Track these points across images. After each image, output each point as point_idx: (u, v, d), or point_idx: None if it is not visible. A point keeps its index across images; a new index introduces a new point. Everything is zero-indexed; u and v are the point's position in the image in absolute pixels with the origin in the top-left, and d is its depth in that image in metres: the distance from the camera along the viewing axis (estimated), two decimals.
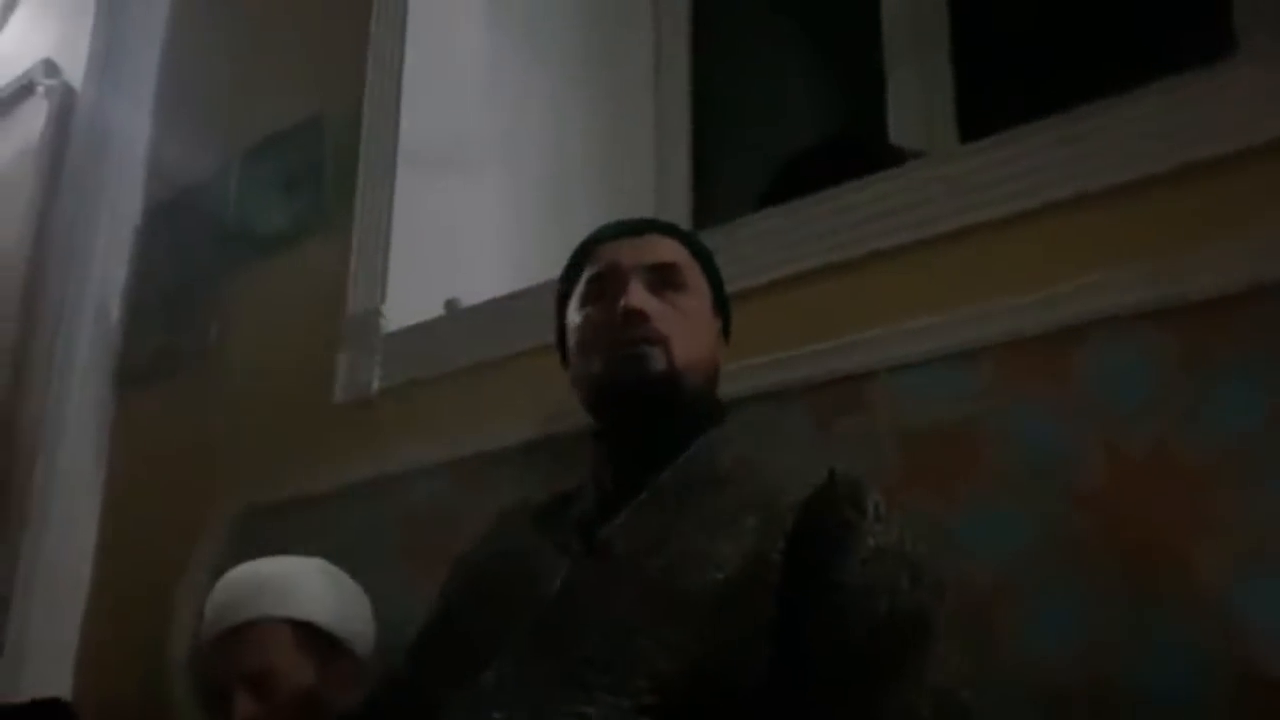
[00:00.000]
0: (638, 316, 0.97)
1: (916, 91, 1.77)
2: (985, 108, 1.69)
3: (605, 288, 1.01)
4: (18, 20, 2.90)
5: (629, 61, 2.18)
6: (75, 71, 2.51)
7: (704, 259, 1.08)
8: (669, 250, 1.04)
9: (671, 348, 0.96)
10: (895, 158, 1.42)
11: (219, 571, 1.34)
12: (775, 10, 2.13)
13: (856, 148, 1.52)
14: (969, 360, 1.12)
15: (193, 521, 1.82)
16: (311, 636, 1.20)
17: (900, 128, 1.74)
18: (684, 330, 0.98)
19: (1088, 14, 1.69)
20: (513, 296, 1.63)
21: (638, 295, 0.98)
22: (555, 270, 1.59)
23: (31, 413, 2.17)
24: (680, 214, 1.95)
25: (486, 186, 1.93)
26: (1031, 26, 1.75)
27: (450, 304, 1.73)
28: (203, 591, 1.44)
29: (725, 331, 1.10)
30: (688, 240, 1.09)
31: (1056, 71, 1.67)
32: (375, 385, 1.69)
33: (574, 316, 1.05)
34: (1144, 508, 0.98)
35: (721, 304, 1.09)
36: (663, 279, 1.01)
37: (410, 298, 1.74)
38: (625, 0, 2.20)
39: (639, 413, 0.98)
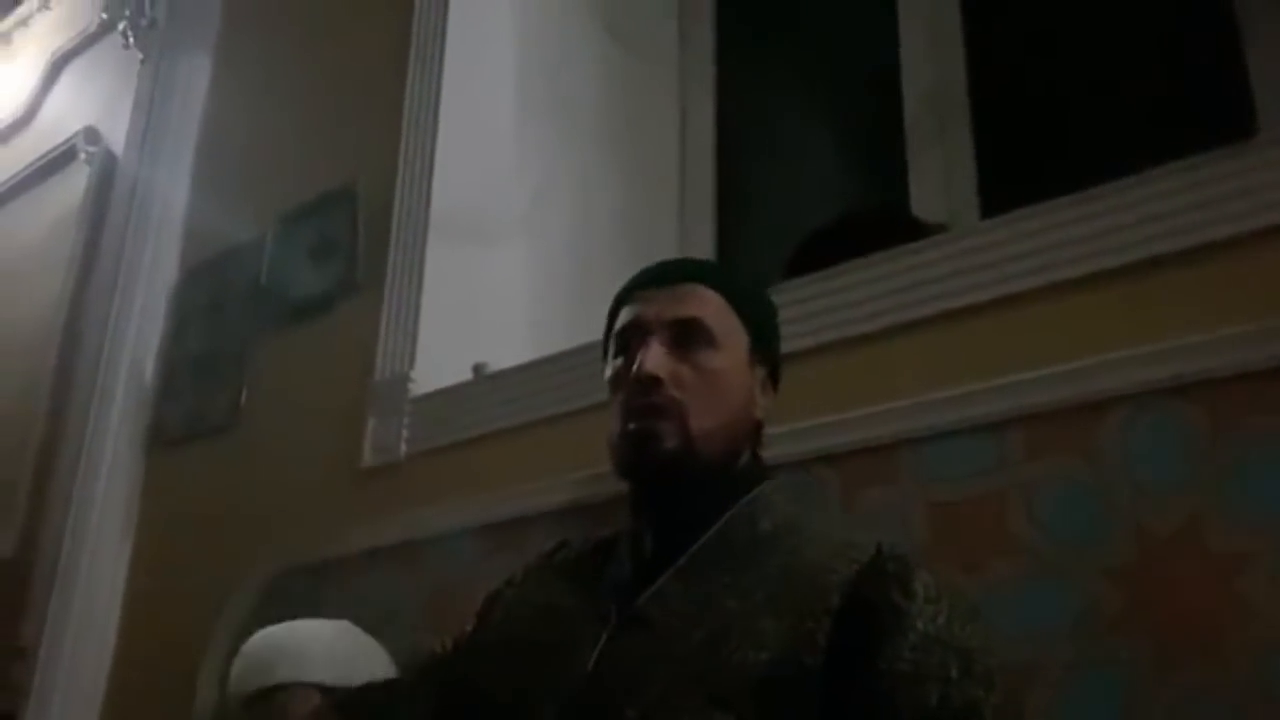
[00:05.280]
0: (651, 382, 0.91)
1: (938, 167, 1.80)
2: (1006, 184, 1.72)
3: (629, 343, 0.97)
4: (61, 88, 3.00)
5: (654, 136, 2.23)
6: (116, 139, 2.59)
7: (744, 303, 1.00)
8: (697, 302, 0.97)
9: (687, 419, 0.91)
10: (918, 231, 1.44)
11: (246, 634, 1.34)
12: (799, 85, 2.18)
13: (880, 221, 1.54)
14: (996, 432, 1.12)
15: (220, 584, 1.82)
16: None
17: (922, 203, 1.77)
18: (704, 395, 0.93)
19: (1108, 93, 1.72)
20: (540, 362, 1.65)
21: (653, 358, 0.92)
22: (581, 338, 1.63)
23: (64, 471, 2.20)
24: None
25: (515, 255, 1.97)
26: (1052, 105, 1.78)
27: (478, 369, 1.75)
28: (229, 653, 1.44)
29: (775, 377, 1.03)
30: (725, 285, 1.00)
31: (1077, 149, 1.70)
32: (403, 449, 1.71)
33: (606, 370, 1.00)
34: (1174, 586, 0.98)
35: (765, 349, 1.01)
36: (688, 335, 0.94)
37: (439, 363, 1.76)
38: (651, 77, 2.26)
39: (653, 489, 0.95)
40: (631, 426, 0.92)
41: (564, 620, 0.94)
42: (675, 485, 0.93)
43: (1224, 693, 0.93)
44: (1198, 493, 1.00)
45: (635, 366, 0.93)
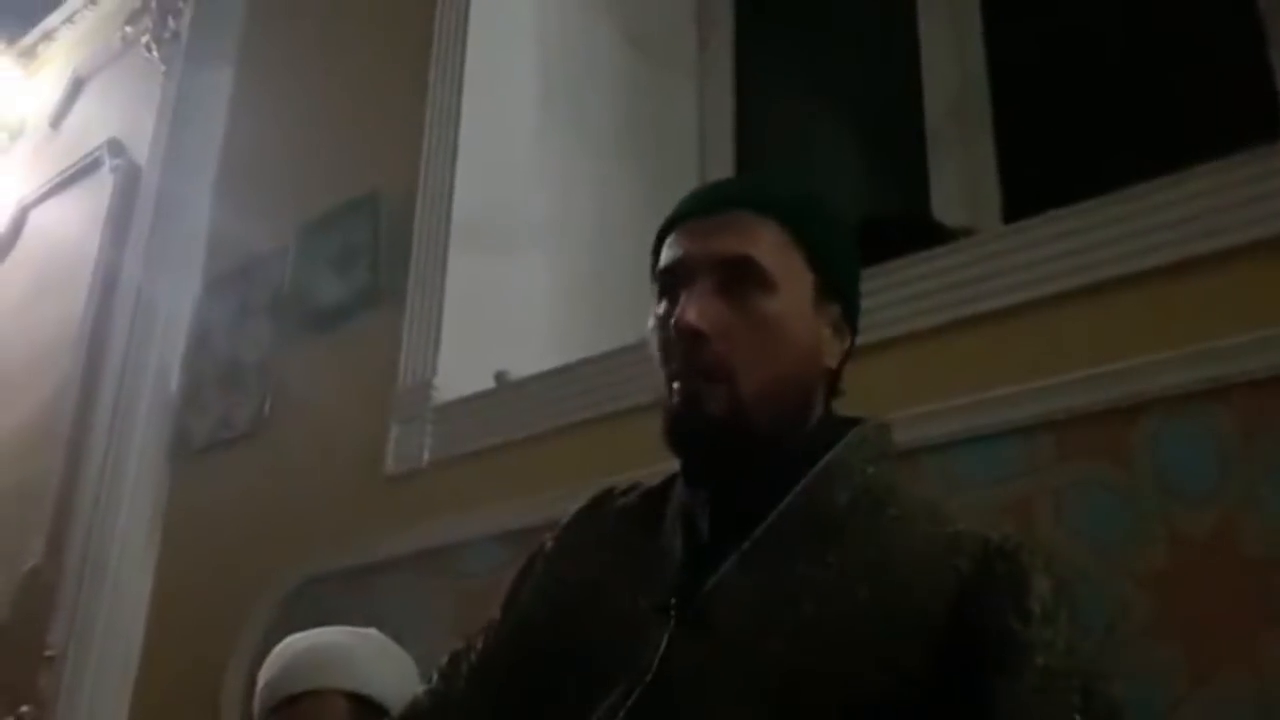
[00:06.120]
0: (692, 338, 0.80)
1: (960, 171, 1.79)
2: (1028, 188, 1.71)
3: (672, 286, 0.84)
4: (85, 101, 3.03)
5: (674, 144, 2.23)
6: (140, 150, 2.61)
7: (808, 231, 0.85)
8: (749, 237, 0.83)
9: (737, 378, 0.79)
10: (942, 236, 1.44)
11: (272, 640, 1.35)
12: (819, 91, 2.18)
13: (904, 225, 1.54)
14: (1024, 436, 1.12)
15: (245, 591, 1.83)
16: (366, 710, 1.20)
17: (944, 207, 1.76)
18: (758, 348, 0.80)
19: (1131, 96, 1.71)
20: (562, 369, 1.65)
21: (696, 307, 0.80)
22: (603, 344, 1.64)
23: (90, 480, 2.22)
24: None
25: (536, 263, 1.97)
26: (1075, 107, 1.77)
27: (500, 376, 1.75)
28: (255, 661, 1.45)
29: (851, 314, 0.89)
30: (784, 211, 0.85)
31: (1099, 153, 1.69)
32: (426, 456, 1.71)
33: (650, 317, 0.87)
34: (1207, 591, 0.97)
35: (837, 283, 0.87)
36: (737, 277, 0.81)
37: (461, 370, 1.77)
38: (670, 85, 2.26)
39: (700, 464, 0.84)
40: (675, 387, 0.81)
41: (614, 611, 0.82)
42: (726, 457, 0.81)
43: (1258, 699, 0.92)
44: (1230, 497, 0.99)
45: (673, 321, 0.81)
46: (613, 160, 2.15)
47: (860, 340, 1.27)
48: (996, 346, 1.19)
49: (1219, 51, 1.62)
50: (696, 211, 0.87)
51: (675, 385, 0.81)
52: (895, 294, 1.29)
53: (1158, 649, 0.98)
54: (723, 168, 2.19)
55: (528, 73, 2.07)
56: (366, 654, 1.25)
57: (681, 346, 0.81)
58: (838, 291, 0.87)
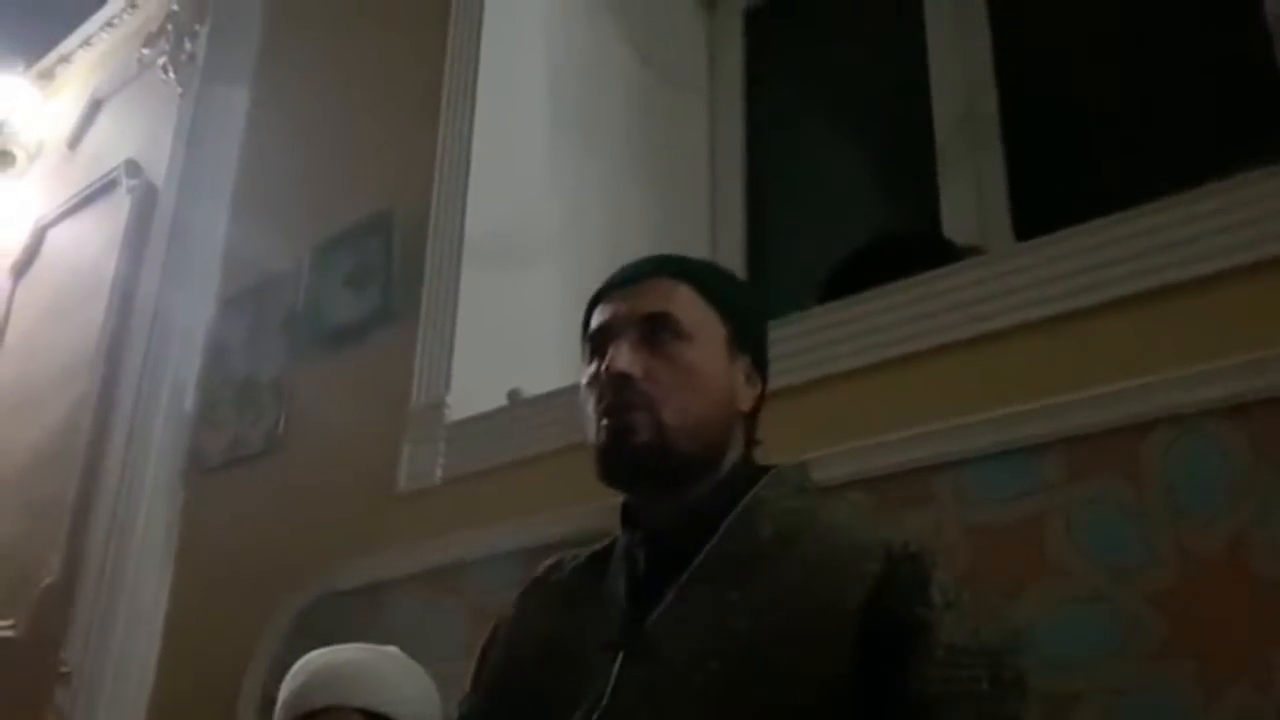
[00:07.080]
0: (620, 380, 0.90)
1: (970, 189, 1.80)
2: (1038, 205, 1.71)
3: (601, 345, 0.95)
4: (103, 122, 3.06)
5: (685, 160, 2.24)
6: (157, 170, 2.64)
7: (718, 292, 0.97)
8: (663, 296, 0.94)
9: (660, 412, 0.89)
10: (954, 254, 1.44)
11: (286, 657, 1.35)
12: (828, 107, 2.19)
13: (916, 244, 1.54)
14: (1035, 454, 1.12)
15: (260, 608, 1.84)
16: None
17: (954, 225, 1.77)
18: (677, 389, 0.90)
19: (1142, 112, 1.71)
20: (574, 387, 1.65)
21: (622, 356, 0.91)
22: None
23: (106, 497, 2.23)
24: None
25: (548, 279, 1.98)
26: (1084, 124, 1.78)
27: (513, 394, 1.76)
28: (269, 677, 1.45)
29: (760, 364, 0.98)
30: (696, 275, 0.97)
31: (1109, 170, 1.69)
32: (439, 474, 1.72)
33: (582, 377, 0.98)
34: (1219, 610, 0.97)
35: (747, 338, 0.98)
36: (657, 330, 0.93)
37: (474, 388, 1.78)
38: (681, 102, 2.28)
39: (631, 487, 0.94)
40: (604, 423, 0.91)
41: (569, 654, 0.91)
42: (654, 479, 0.91)
43: (1271, 718, 0.92)
44: (1241, 515, 0.99)
45: (604, 365, 0.92)
46: (624, 177, 2.17)
47: (874, 357, 1.29)
48: (1008, 364, 1.19)
49: (1232, 67, 1.62)
50: (621, 282, 0.99)
51: (604, 422, 0.91)
52: (906, 313, 1.29)
53: (1169, 667, 0.98)
54: (733, 184, 2.21)
55: (539, 91, 2.09)
56: (385, 672, 1.26)
57: (611, 389, 0.91)
58: (748, 344, 0.98)
